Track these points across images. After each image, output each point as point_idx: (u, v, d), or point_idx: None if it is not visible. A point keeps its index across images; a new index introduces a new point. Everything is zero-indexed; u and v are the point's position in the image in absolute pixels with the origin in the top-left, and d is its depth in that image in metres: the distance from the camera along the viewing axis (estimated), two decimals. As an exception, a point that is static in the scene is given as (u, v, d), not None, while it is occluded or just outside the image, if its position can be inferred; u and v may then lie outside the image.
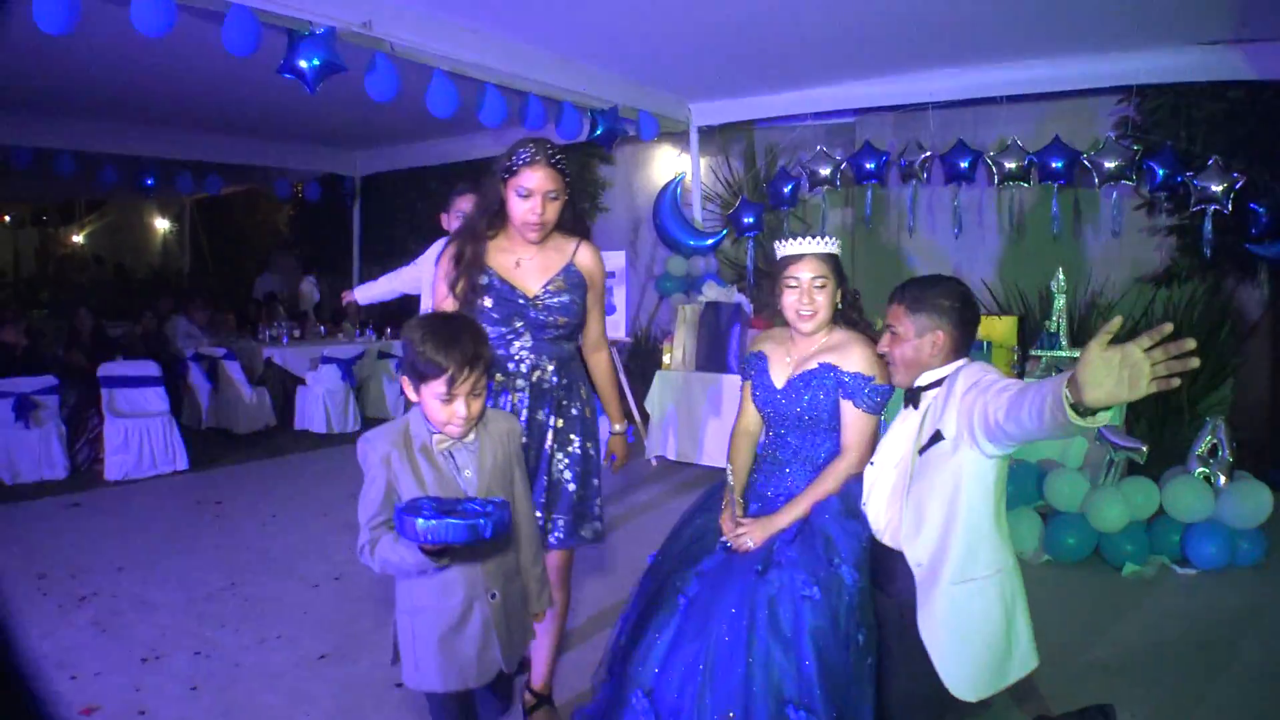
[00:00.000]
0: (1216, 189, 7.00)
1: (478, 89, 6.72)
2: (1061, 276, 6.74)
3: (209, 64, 6.68)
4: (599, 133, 7.76)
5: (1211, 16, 6.49)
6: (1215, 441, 5.43)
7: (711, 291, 7.30)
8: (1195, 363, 1.82)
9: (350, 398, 9.26)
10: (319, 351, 9.37)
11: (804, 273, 2.95)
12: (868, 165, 8.22)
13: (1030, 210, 8.37)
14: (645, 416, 7.94)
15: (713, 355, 7.08)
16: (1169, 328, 1.84)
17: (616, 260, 8.60)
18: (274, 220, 16.80)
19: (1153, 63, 7.26)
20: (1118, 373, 1.85)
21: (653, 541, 5.63)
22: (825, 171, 8.35)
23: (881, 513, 2.74)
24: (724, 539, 2.95)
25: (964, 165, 7.85)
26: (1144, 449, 5.25)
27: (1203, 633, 4.31)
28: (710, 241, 8.73)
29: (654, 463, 7.57)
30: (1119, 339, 1.90)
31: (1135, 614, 4.57)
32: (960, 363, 2.67)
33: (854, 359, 2.94)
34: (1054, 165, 7.56)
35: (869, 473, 2.83)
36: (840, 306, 3.03)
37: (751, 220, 8.70)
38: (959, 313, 2.66)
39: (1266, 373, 7.76)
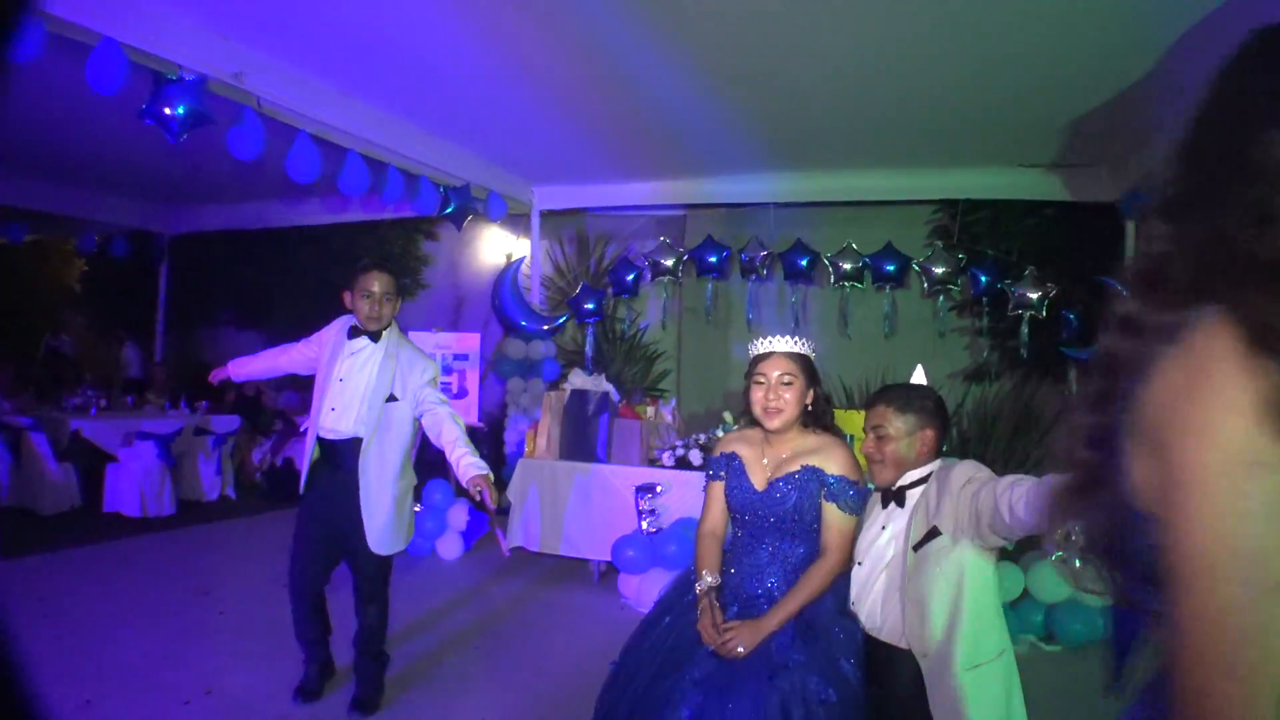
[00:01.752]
0: (1033, 296, 7.68)
1: (339, 156, 6.65)
2: (921, 372, 7.18)
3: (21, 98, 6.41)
4: (450, 210, 7.80)
5: (1031, 143, 7.30)
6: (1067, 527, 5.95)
7: (578, 379, 7.40)
8: None
9: (167, 478, 8.74)
10: (130, 425, 8.83)
11: (771, 370, 3.10)
12: (710, 259, 8.54)
13: (854, 308, 8.86)
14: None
15: (578, 444, 7.12)
16: None
17: (470, 343, 8.57)
18: (65, 275, 15.80)
19: (978, 180, 8.01)
20: None
21: (542, 637, 5.64)
22: (668, 262, 8.61)
23: (877, 611, 2.90)
24: (709, 645, 2.94)
25: (803, 264, 8.29)
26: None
27: (1083, 706, 4.66)
28: (553, 326, 8.84)
29: (507, 553, 7.53)
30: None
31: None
32: (937, 462, 2.93)
33: (836, 462, 3.07)
34: (887, 269, 8.09)
35: (857, 573, 2.99)
36: (810, 408, 3.15)
37: (592, 306, 8.89)
38: (941, 415, 2.96)
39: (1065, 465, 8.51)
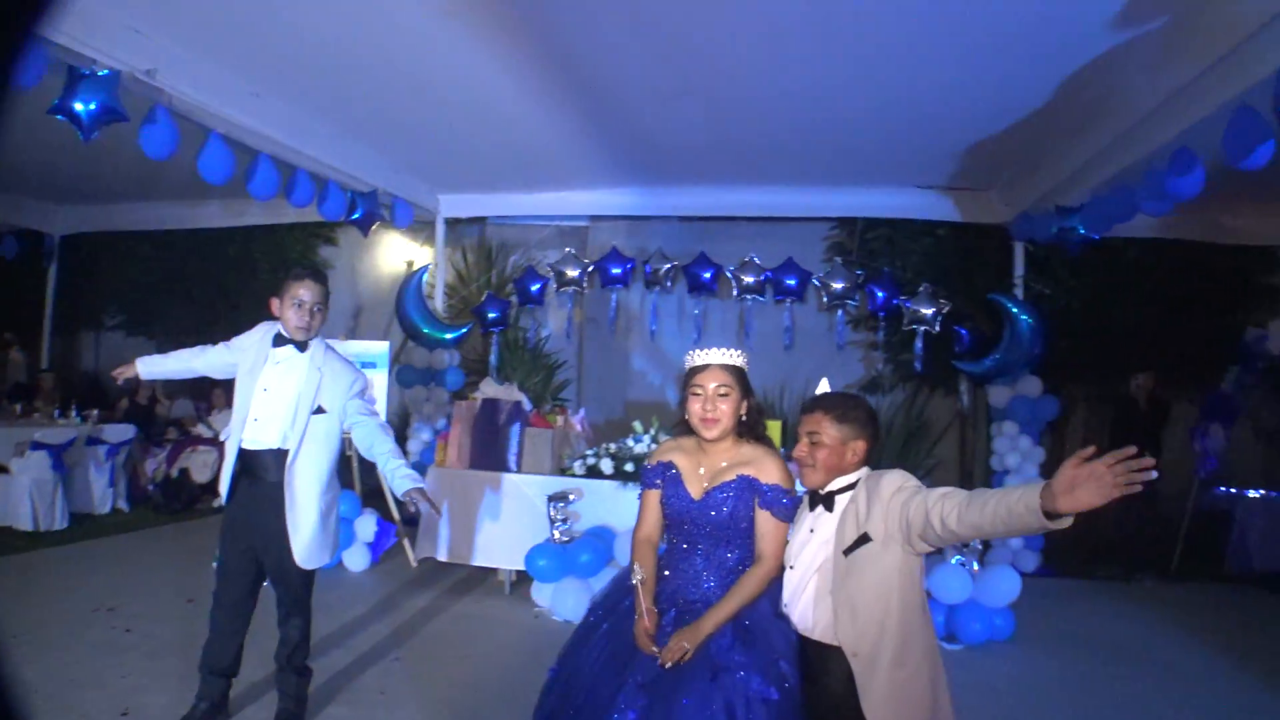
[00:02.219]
0: (926, 312, 8.04)
1: (250, 158, 6.57)
2: (826, 384, 7.41)
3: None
4: (358, 215, 7.75)
5: (927, 167, 7.71)
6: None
7: (489, 388, 7.42)
8: (1154, 474, 2.30)
9: (60, 490, 8.43)
10: (21, 434, 8.51)
11: (708, 381, 3.22)
12: (614, 270, 8.67)
13: (755, 320, 9.10)
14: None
15: (490, 453, 7.14)
16: (1132, 450, 2.33)
17: (379, 347, 8.47)
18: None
19: (876, 200, 8.39)
20: (1091, 484, 2.33)
21: (460, 648, 5.67)
22: (572, 273, 8.72)
23: (809, 613, 3.05)
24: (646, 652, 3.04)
25: (706, 277, 8.48)
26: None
27: (995, 699, 4.93)
28: (457, 334, 8.85)
29: (414, 564, 7.50)
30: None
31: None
32: (864, 470, 3.11)
33: (770, 471, 3.21)
34: (788, 283, 8.35)
35: (789, 576, 3.14)
36: (744, 418, 3.28)
37: (496, 315, 8.95)
38: (873, 426, 3.13)
39: (954, 472, 8.97)
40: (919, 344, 8.25)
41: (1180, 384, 9.50)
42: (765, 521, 3.17)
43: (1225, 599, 7.99)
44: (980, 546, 6.37)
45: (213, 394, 10.29)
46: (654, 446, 6.87)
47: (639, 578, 3.18)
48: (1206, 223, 8.26)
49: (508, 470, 7.14)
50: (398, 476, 4.20)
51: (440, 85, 6.13)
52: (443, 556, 7.11)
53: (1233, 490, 8.77)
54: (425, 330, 8.81)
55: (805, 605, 3.06)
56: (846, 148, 7.25)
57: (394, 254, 11.31)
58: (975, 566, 6.28)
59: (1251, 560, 8.56)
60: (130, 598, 6.28)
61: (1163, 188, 5.69)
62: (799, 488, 3.23)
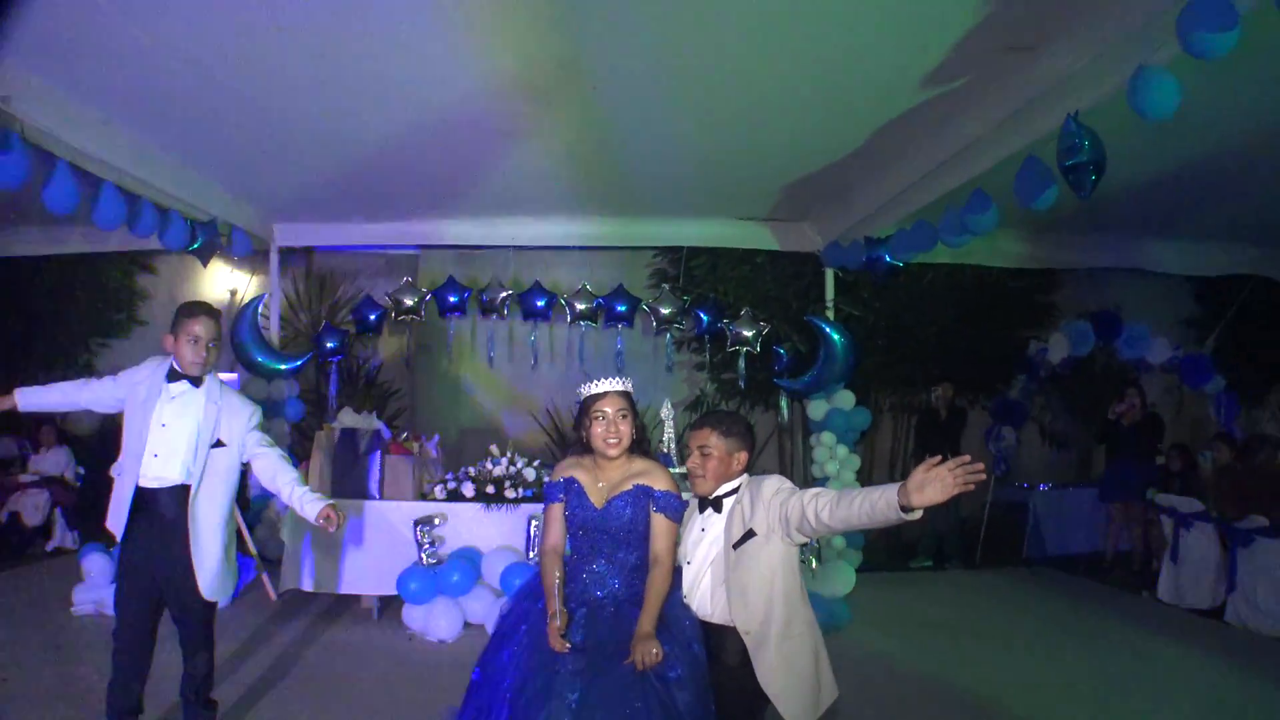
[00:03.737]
0: (748, 334, 8.67)
1: (94, 187, 6.48)
2: (669, 405, 7.87)
3: None
4: (198, 245, 7.72)
5: (747, 200, 8.37)
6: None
7: (348, 418, 7.57)
8: (983, 476, 3.02)
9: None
10: None
11: (609, 407, 3.70)
12: (451, 299, 8.95)
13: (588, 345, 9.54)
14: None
15: (350, 481, 7.28)
16: (967, 458, 3.02)
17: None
18: None
19: (699, 230, 9.00)
20: (936, 484, 3.00)
21: (343, 675, 5.93)
22: (410, 302, 8.93)
23: (707, 600, 3.62)
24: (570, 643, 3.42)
25: (540, 304, 8.89)
26: None
27: (842, 679, 5.36)
28: (295, 365, 8.91)
29: (275, 598, 7.53)
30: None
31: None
32: (745, 476, 3.69)
33: (661, 480, 3.72)
34: (619, 309, 8.84)
35: (687, 571, 3.69)
36: (635, 436, 3.77)
37: (335, 345, 9.06)
38: (751, 438, 3.73)
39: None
40: (741, 363, 8.91)
41: (975, 392, 10.63)
42: (660, 524, 3.66)
43: (1024, 581, 9.18)
44: (817, 545, 7.01)
45: (40, 432, 9.95)
46: (512, 469, 7.27)
47: (551, 592, 3.58)
48: (994, 249, 9.20)
49: (370, 498, 7.36)
50: (307, 502, 4.35)
51: (275, 112, 6.22)
52: (308, 587, 7.20)
53: (1025, 486, 9.81)
54: (261, 360, 8.82)
55: (703, 594, 3.64)
56: (673, 182, 7.81)
57: (216, 283, 11.25)
58: (814, 564, 6.92)
59: (1045, 546, 9.75)
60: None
61: (961, 224, 6.53)
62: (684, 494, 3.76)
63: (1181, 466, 8.93)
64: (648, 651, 3.31)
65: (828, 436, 8.61)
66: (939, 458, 3.07)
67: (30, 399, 4.47)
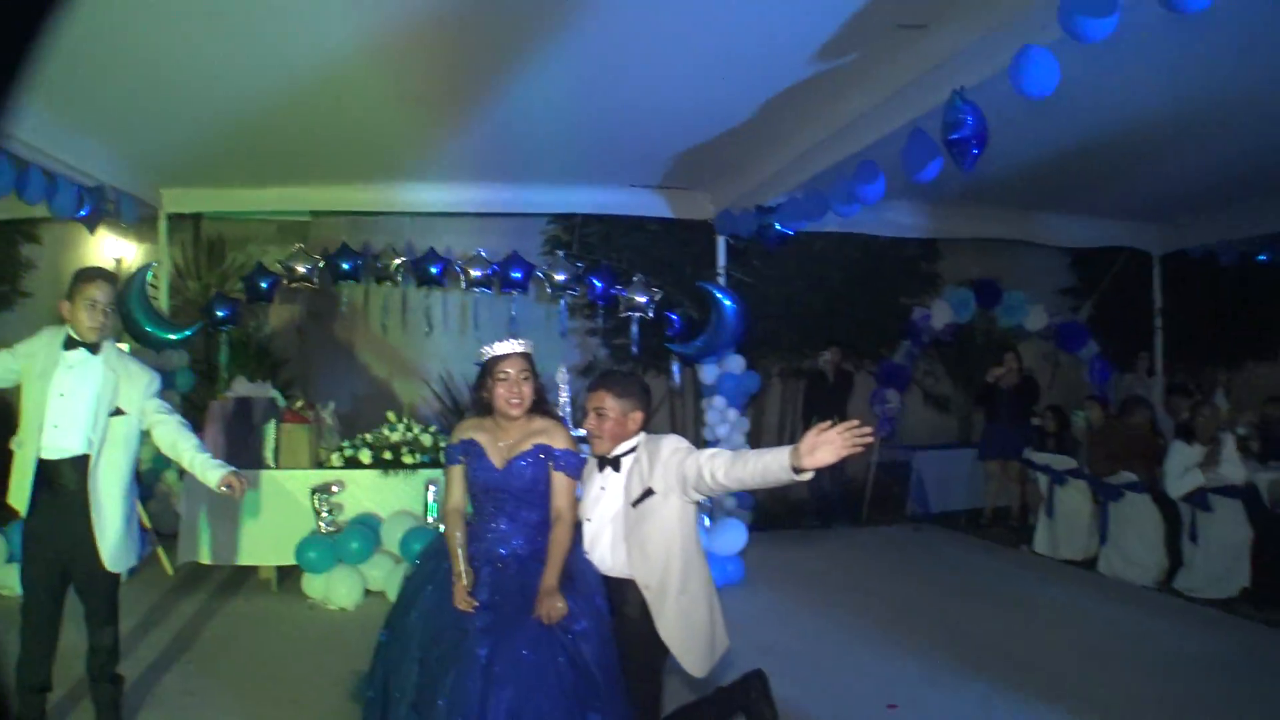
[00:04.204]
0: (641, 300, 8.82)
1: None
2: (565, 370, 7.98)
3: None
4: (86, 212, 7.55)
5: (641, 168, 8.50)
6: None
7: (241, 387, 7.51)
8: (871, 439, 3.25)
9: None
10: None
11: (511, 368, 3.79)
12: (345, 266, 8.91)
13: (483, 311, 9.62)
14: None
15: (246, 451, 7.20)
16: (856, 422, 3.22)
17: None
18: None
19: (593, 197, 9.10)
20: (826, 447, 3.18)
21: (247, 645, 5.98)
22: (303, 269, 8.86)
23: (607, 555, 3.78)
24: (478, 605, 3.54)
25: (435, 271, 8.91)
26: None
27: (738, 633, 5.52)
28: (185, 334, 8.77)
29: (171, 571, 7.46)
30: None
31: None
32: (642, 435, 3.84)
33: (560, 439, 3.85)
34: (513, 275, 8.92)
35: (587, 527, 3.84)
36: (535, 396, 3.87)
37: (226, 314, 8.95)
38: (647, 398, 3.89)
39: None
40: (634, 329, 9.08)
41: (861, 357, 10.94)
42: (560, 481, 3.80)
43: (908, 537, 9.60)
44: (710, 504, 7.22)
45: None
46: (409, 435, 7.32)
47: (456, 552, 3.70)
48: (880, 219, 9.48)
49: (265, 467, 7.34)
50: (209, 469, 4.33)
51: (163, 74, 6.08)
52: (206, 559, 7.19)
53: (909, 446, 10.17)
54: (150, 330, 8.65)
55: (604, 549, 3.80)
56: (567, 149, 7.86)
57: (102, 252, 10.98)
58: (708, 522, 7.13)
59: (928, 504, 10.13)
60: None
61: (851, 193, 6.74)
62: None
63: (1056, 427, 9.36)
64: (553, 606, 3.47)
65: (719, 400, 8.82)
66: (829, 422, 3.25)
67: None
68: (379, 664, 3.69)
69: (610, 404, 3.77)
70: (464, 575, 3.62)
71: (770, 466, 3.34)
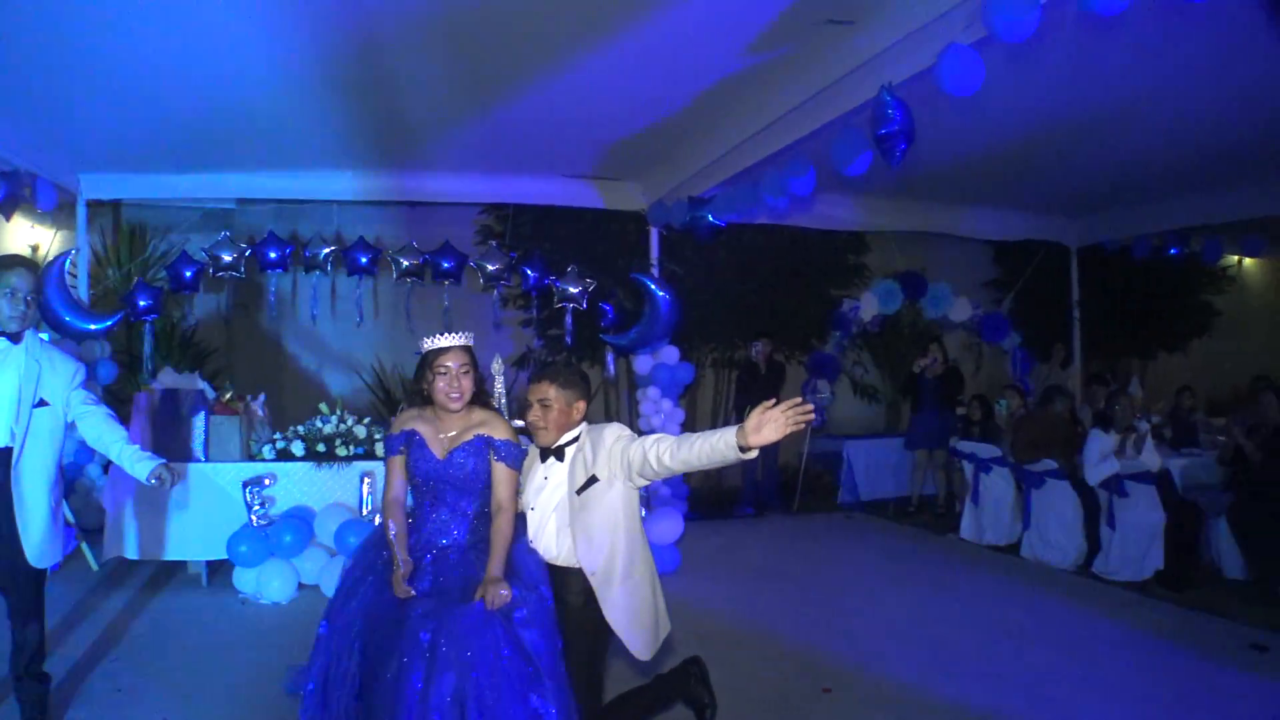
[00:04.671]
0: (574, 290, 8.79)
1: None
2: (500, 360, 7.89)
3: None
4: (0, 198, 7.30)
5: (573, 158, 8.54)
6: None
7: (169, 378, 7.32)
8: (812, 416, 3.32)
9: None
10: None
11: (451, 362, 3.78)
12: (272, 254, 8.72)
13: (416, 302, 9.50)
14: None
15: (172, 443, 7.03)
16: (799, 400, 3.30)
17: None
18: None
19: (527, 187, 9.11)
20: (771, 425, 3.25)
21: (177, 640, 5.88)
22: (228, 258, 8.64)
23: (553, 544, 3.81)
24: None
25: (365, 260, 8.77)
26: None
27: (676, 620, 5.58)
28: (105, 324, 8.53)
29: (95, 567, 7.28)
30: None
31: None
32: (584, 425, 3.88)
33: (501, 430, 3.86)
34: (445, 265, 8.81)
35: (531, 517, 3.87)
36: (476, 389, 3.87)
37: (149, 304, 8.70)
38: (588, 388, 3.93)
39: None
40: (569, 320, 9.03)
41: (792, 348, 11.05)
42: (501, 472, 3.81)
43: (838, 525, 9.79)
44: (646, 494, 7.24)
45: None
46: (342, 427, 7.23)
47: (394, 543, 3.70)
48: (810, 212, 9.62)
49: (195, 460, 7.20)
50: (138, 461, 4.25)
51: (81, 52, 5.88)
52: (132, 554, 7.04)
53: (838, 436, 10.30)
54: (69, 320, 8.40)
55: (549, 538, 3.83)
56: (499, 138, 7.81)
57: (15, 239, 10.61)
58: (642, 512, 7.14)
59: (858, 492, 10.32)
60: None
61: (781, 186, 6.82)
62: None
63: (981, 415, 9.57)
64: (496, 594, 3.46)
65: (653, 390, 8.86)
66: (773, 401, 3.33)
67: None
68: (318, 656, 3.64)
69: (554, 394, 3.80)
70: (403, 564, 3.61)
71: (717, 446, 3.40)
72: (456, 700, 3.22)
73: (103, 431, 4.32)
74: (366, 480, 7.08)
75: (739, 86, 6.36)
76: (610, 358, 9.30)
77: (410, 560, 3.66)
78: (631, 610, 3.75)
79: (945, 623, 6.24)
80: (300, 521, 6.92)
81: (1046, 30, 4.17)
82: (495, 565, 3.59)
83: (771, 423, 3.27)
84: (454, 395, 3.76)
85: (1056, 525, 7.91)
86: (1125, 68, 6.06)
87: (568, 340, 9.13)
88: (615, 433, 3.78)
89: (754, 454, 3.37)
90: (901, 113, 5.09)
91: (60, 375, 4.25)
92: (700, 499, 9.45)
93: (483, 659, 3.31)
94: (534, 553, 3.82)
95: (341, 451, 7.23)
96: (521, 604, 3.50)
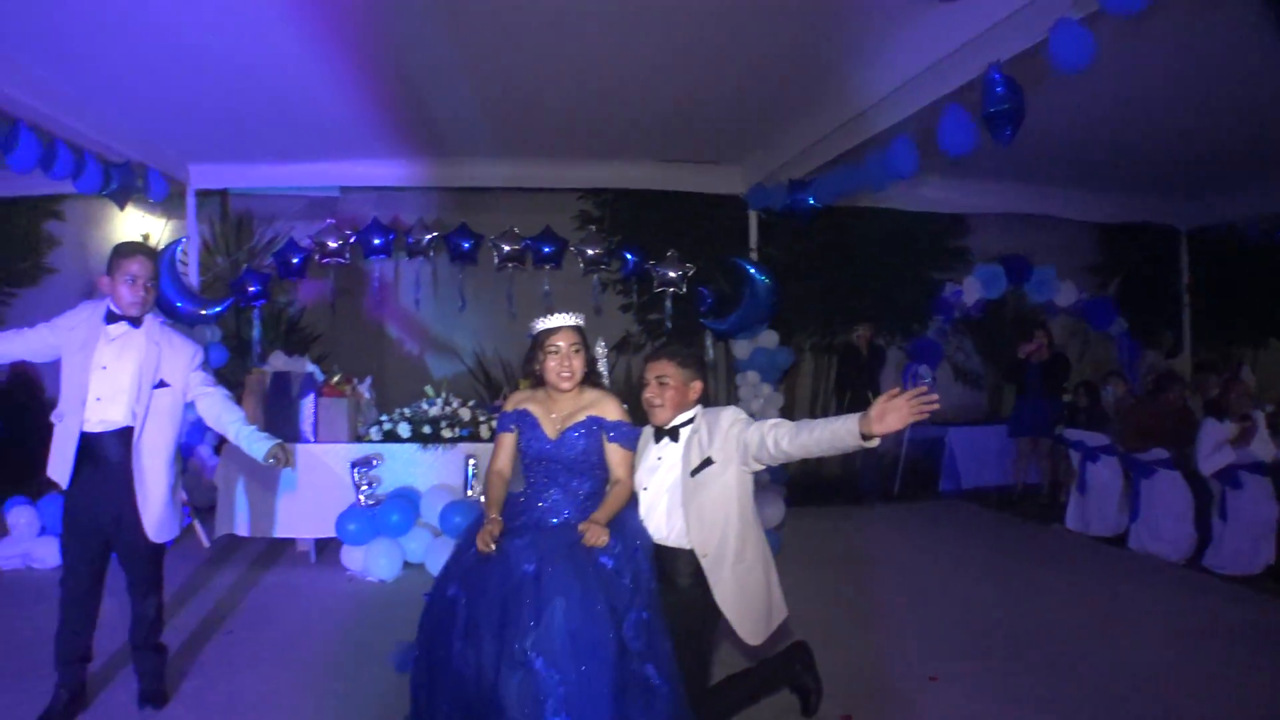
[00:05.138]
0: (674, 275, 8.77)
1: (7, 127, 6.23)
2: (603, 344, 7.90)
3: None
4: (113, 188, 7.53)
5: (671, 142, 8.48)
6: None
7: (279, 361, 7.50)
8: (937, 406, 3.25)
9: None
10: None
11: (562, 341, 3.83)
12: (376, 241, 8.86)
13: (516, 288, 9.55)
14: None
15: (282, 425, 7.19)
16: (924, 388, 3.27)
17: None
18: None
19: (625, 171, 9.13)
20: (894, 413, 3.22)
21: (285, 615, 6.04)
22: (334, 245, 8.81)
23: (663, 523, 3.82)
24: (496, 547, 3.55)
25: (467, 246, 8.85)
26: None
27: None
28: (217, 310, 8.76)
29: (208, 544, 7.50)
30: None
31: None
32: (699, 407, 3.89)
33: (613, 410, 3.88)
34: (546, 251, 8.85)
35: (644, 497, 3.88)
36: (587, 370, 3.91)
37: (257, 289, 8.92)
38: (705, 368, 3.96)
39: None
40: (667, 304, 9.03)
41: (892, 332, 10.89)
42: (615, 452, 3.84)
43: (939, 513, 9.57)
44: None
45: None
46: (448, 410, 7.32)
47: (489, 508, 3.79)
48: (910, 194, 9.50)
49: (304, 441, 7.35)
50: (255, 441, 4.40)
51: (192, 47, 6.04)
52: (243, 532, 7.25)
53: (940, 423, 10.13)
54: (180, 306, 8.64)
55: (660, 519, 3.83)
56: (598, 124, 7.84)
57: (127, 228, 10.95)
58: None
59: (959, 480, 10.09)
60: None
61: (884, 167, 6.72)
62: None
63: (1088, 402, 9.32)
64: (596, 532, 3.50)
65: (752, 375, 8.82)
66: (897, 390, 3.30)
67: None
68: (428, 617, 3.69)
69: (673, 372, 3.82)
70: (495, 523, 3.66)
71: (838, 433, 3.38)
72: (568, 621, 3.26)
73: (221, 412, 4.48)
74: (471, 462, 7.15)
75: (841, 66, 6.27)
76: (709, 343, 9.26)
77: (500, 519, 3.70)
78: (742, 594, 3.75)
79: (1050, 614, 6.09)
80: (406, 502, 7.01)
81: (1159, 2, 4.03)
82: (602, 512, 3.66)
83: (895, 411, 3.23)
84: (565, 375, 3.80)
85: (1166, 516, 7.65)
86: (1239, 42, 5.83)
87: (666, 325, 9.13)
88: (732, 415, 3.77)
89: (876, 442, 3.32)
90: (1010, 90, 4.99)
91: (180, 357, 4.42)
92: (799, 485, 9.36)
93: (586, 586, 3.34)
94: (644, 527, 3.83)
95: (447, 434, 7.31)
96: (614, 556, 3.51)
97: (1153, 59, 6.07)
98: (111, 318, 4.27)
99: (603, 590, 3.36)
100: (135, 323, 4.30)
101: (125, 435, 4.22)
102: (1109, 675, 4.93)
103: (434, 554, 6.72)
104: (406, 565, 6.91)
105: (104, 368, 4.21)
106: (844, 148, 7.28)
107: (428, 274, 9.70)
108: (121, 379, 4.22)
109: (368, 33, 5.80)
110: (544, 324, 3.84)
